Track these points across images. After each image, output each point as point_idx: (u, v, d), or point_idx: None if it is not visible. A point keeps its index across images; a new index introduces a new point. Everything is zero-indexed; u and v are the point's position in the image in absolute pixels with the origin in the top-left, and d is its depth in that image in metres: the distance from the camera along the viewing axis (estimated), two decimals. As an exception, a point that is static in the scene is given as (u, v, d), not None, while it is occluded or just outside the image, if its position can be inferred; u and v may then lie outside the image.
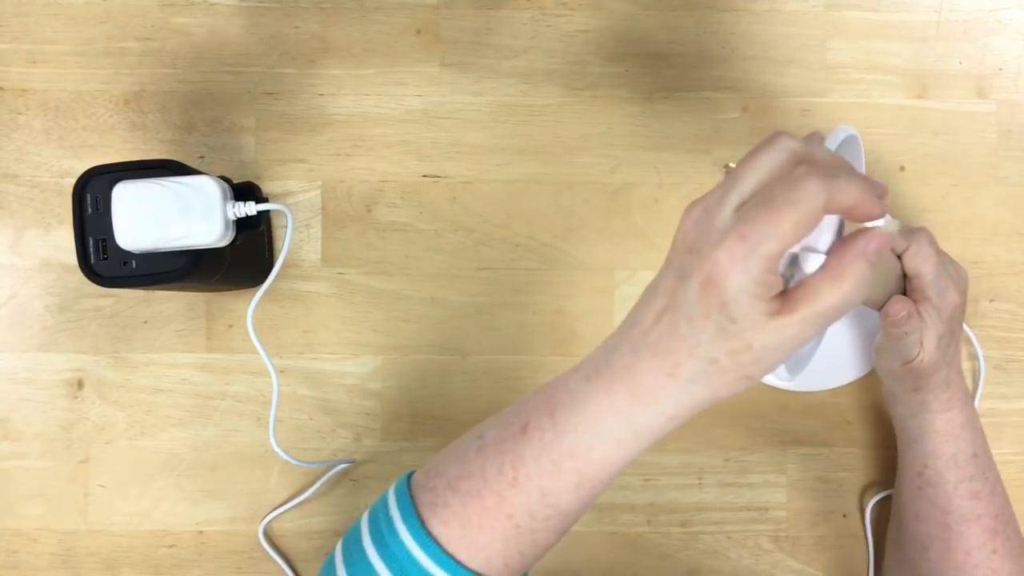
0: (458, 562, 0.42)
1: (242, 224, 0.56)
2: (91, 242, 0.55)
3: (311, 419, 0.66)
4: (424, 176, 0.67)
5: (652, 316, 0.38)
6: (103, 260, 0.55)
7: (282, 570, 0.65)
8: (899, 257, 0.54)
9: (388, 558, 0.43)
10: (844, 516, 0.66)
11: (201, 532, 0.66)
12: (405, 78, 0.67)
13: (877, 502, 0.65)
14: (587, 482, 0.41)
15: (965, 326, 0.65)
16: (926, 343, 0.53)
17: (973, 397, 0.65)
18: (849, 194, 0.34)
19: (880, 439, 0.66)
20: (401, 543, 0.43)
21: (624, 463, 0.41)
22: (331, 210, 0.66)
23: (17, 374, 0.66)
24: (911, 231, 0.54)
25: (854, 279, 0.35)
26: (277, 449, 0.62)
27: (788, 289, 0.36)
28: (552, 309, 0.66)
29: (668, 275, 0.38)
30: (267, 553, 0.65)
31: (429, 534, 0.43)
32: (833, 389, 0.66)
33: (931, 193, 0.67)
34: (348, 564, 0.44)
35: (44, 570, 0.65)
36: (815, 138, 0.39)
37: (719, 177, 0.47)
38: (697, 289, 0.36)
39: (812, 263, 0.37)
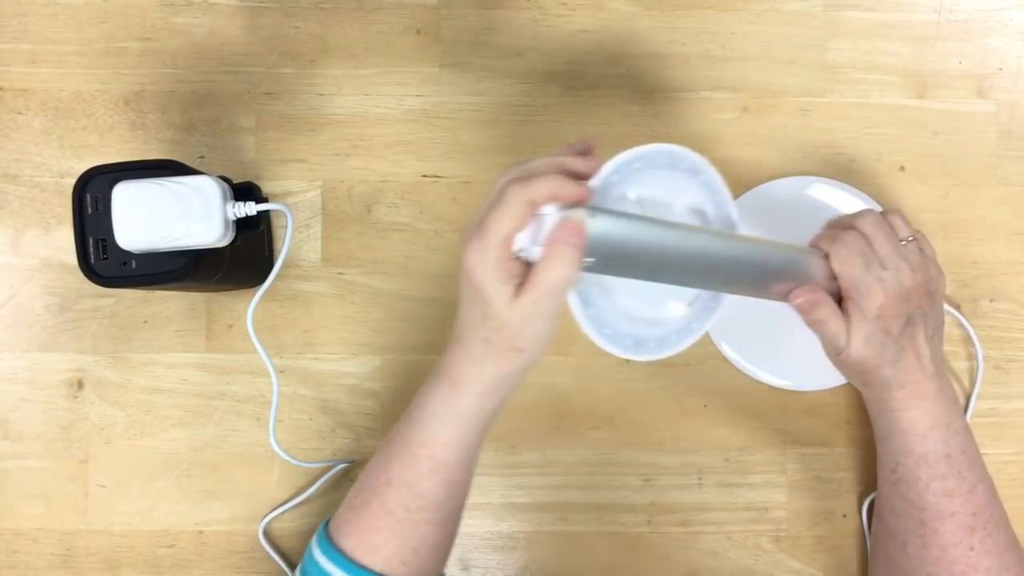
0: (361, 565, 0.50)
1: (242, 224, 0.56)
2: (91, 242, 0.55)
3: (311, 419, 0.66)
4: (424, 176, 0.67)
5: (457, 320, 0.49)
6: (103, 260, 0.55)
7: (282, 570, 0.65)
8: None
9: None
10: (844, 516, 0.66)
11: (201, 532, 0.66)
12: (405, 78, 0.67)
13: (872, 502, 0.65)
14: (441, 466, 0.51)
15: (967, 325, 0.65)
16: (852, 338, 0.54)
17: (966, 397, 0.65)
18: (544, 189, 0.44)
19: (880, 439, 0.66)
20: (316, 563, 0.52)
21: (464, 444, 0.51)
22: (331, 210, 0.66)
23: (17, 374, 0.66)
24: (837, 233, 0.55)
25: (561, 261, 0.44)
26: (277, 449, 0.62)
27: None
28: (552, 309, 0.66)
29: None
30: (267, 553, 0.65)
31: (336, 548, 0.51)
32: (833, 389, 0.66)
33: (931, 193, 0.67)
34: None
35: (44, 570, 0.65)
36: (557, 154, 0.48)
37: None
38: (463, 284, 0.46)
39: (540, 253, 0.45)
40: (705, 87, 0.67)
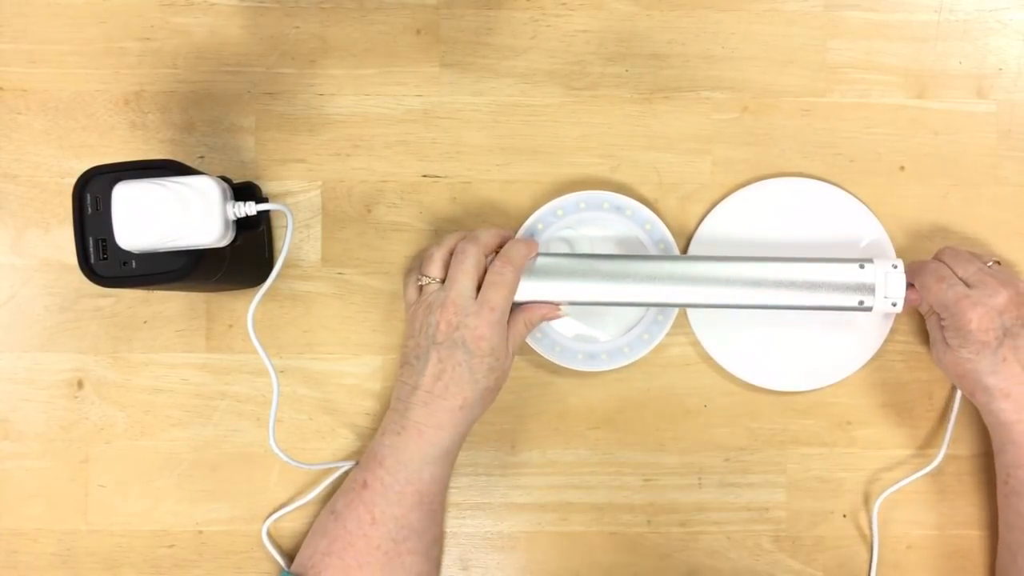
0: None
1: (242, 224, 0.56)
2: (91, 242, 0.55)
3: (311, 419, 0.66)
4: (424, 176, 0.67)
5: (431, 378, 0.57)
6: (103, 260, 0.55)
7: (282, 570, 0.65)
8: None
9: None
10: (844, 516, 0.66)
11: (201, 532, 0.66)
12: (405, 78, 0.67)
13: (881, 502, 0.65)
14: (425, 498, 0.58)
15: None
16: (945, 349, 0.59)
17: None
18: (490, 239, 0.60)
19: (880, 439, 0.66)
20: None
21: (446, 474, 0.60)
22: (331, 210, 0.66)
23: (17, 374, 0.66)
24: (920, 265, 0.60)
25: (500, 287, 0.57)
26: (277, 451, 0.62)
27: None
28: (552, 309, 0.66)
29: (435, 350, 0.57)
30: (268, 553, 0.65)
31: None
32: (833, 389, 0.66)
33: (931, 193, 0.67)
34: None
35: (44, 570, 0.65)
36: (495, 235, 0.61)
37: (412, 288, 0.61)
38: (471, 347, 0.56)
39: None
40: (705, 87, 0.67)
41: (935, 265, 0.59)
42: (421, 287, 0.59)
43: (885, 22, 0.67)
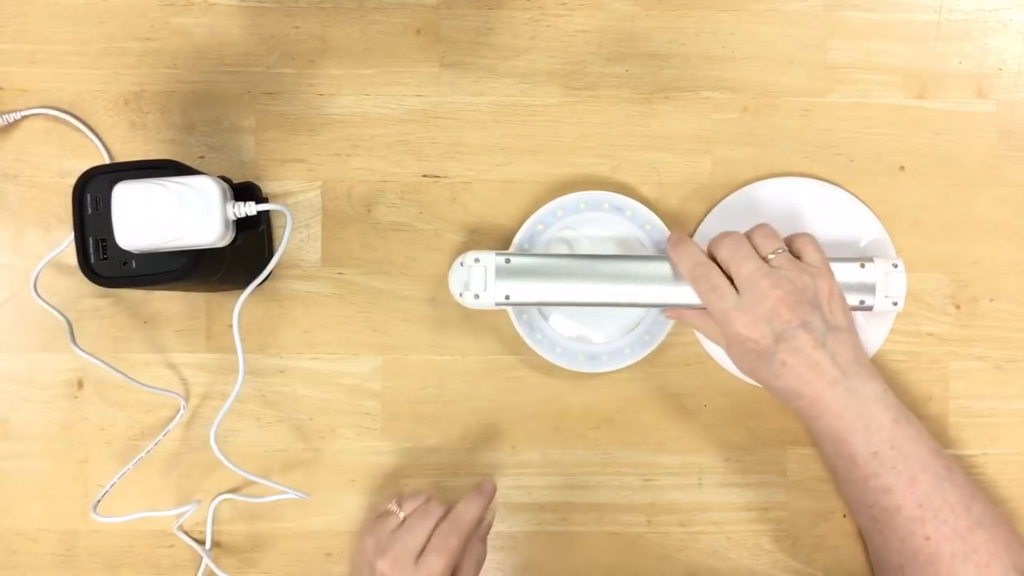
0: None
1: (242, 224, 0.56)
2: (91, 242, 0.55)
3: (311, 419, 0.66)
4: (424, 176, 0.67)
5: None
6: (103, 260, 0.55)
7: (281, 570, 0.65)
8: None
9: None
10: (844, 516, 0.66)
11: (201, 532, 0.66)
12: (405, 78, 0.67)
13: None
14: None
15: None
16: (727, 352, 0.59)
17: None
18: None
19: (880, 439, 0.66)
20: None
21: None
22: (331, 210, 0.66)
23: (17, 374, 0.66)
24: (697, 268, 0.59)
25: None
26: (216, 451, 0.61)
27: None
28: (552, 309, 0.66)
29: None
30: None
31: None
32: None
33: (931, 193, 0.67)
34: None
35: (44, 570, 0.65)
36: None
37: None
38: None
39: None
40: (705, 87, 0.67)
41: (704, 271, 0.57)
42: (387, 509, 0.59)
43: (885, 22, 0.67)
